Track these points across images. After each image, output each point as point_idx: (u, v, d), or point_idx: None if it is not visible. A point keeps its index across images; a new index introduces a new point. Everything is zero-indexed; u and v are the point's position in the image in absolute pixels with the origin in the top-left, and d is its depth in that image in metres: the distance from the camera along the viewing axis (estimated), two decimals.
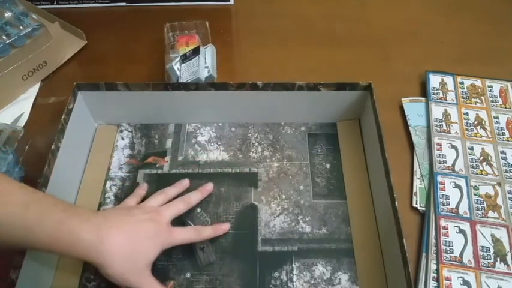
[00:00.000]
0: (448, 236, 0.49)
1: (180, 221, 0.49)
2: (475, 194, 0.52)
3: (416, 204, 0.52)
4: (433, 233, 0.49)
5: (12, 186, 0.38)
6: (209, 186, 0.53)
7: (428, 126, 0.59)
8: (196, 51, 0.58)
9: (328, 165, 0.56)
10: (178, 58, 0.58)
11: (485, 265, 0.47)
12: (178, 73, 0.58)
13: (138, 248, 0.43)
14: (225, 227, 0.50)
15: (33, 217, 0.37)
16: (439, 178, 0.54)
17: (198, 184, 0.53)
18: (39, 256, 0.45)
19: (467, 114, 0.60)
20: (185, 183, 0.53)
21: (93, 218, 0.41)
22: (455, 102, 0.61)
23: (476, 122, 0.59)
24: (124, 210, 0.47)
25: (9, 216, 0.36)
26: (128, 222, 0.44)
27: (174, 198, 0.50)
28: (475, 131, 0.58)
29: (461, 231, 0.50)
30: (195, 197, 0.51)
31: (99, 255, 0.40)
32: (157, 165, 0.56)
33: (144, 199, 0.50)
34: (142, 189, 0.52)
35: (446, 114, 0.60)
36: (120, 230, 0.42)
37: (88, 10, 0.77)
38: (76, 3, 0.77)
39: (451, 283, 0.46)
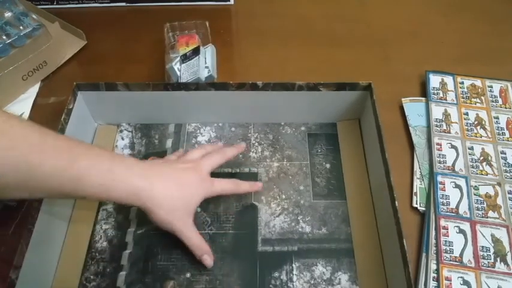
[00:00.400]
0: (448, 236, 0.49)
1: None
2: (475, 194, 0.52)
3: (416, 204, 0.52)
4: (433, 233, 0.49)
5: (60, 139, 0.39)
6: (243, 144, 0.56)
7: (428, 126, 0.59)
8: (196, 51, 0.58)
9: (328, 165, 0.56)
10: (178, 58, 0.58)
11: (485, 265, 0.47)
12: (178, 73, 0.58)
13: (183, 195, 0.45)
14: (260, 184, 0.53)
15: (82, 168, 0.38)
16: (439, 178, 0.54)
17: None
18: (40, 256, 0.45)
19: (467, 114, 0.60)
20: (221, 144, 0.56)
21: (140, 166, 0.43)
22: (455, 102, 0.61)
23: (476, 122, 0.59)
24: (165, 162, 0.49)
25: (57, 169, 0.37)
26: (172, 170, 0.46)
27: None
28: (475, 131, 0.58)
29: (461, 231, 0.50)
30: (230, 151, 0.53)
31: (149, 200, 0.42)
32: None
33: None
34: (176, 154, 0.54)
35: (446, 114, 0.60)
36: (166, 177, 0.44)
37: (88, 10, 0.77)
38: (76, 3, 0.77)
39: (451, 283, 0.46)
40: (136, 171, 0.42)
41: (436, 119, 0.59)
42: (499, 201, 0.52)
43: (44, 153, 0.37)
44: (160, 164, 0.48)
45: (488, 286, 0.46)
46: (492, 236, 0.49)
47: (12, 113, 0.37)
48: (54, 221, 0.49)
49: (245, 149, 0.56)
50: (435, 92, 0.62)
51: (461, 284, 0.46)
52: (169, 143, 0.58)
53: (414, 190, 0.54)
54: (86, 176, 0.39)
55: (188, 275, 0.48)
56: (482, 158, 0.56)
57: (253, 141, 0.58)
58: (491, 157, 0.56)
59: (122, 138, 0.59)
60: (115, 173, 0.40)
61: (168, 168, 0.47)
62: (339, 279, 0.47)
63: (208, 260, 0.47)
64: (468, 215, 0.51)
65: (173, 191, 0.44)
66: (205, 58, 0.61)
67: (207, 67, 0.61)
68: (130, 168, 0.42)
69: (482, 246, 0.48)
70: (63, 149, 0.38)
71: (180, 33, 0.63)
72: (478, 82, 0.63)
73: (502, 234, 0.49)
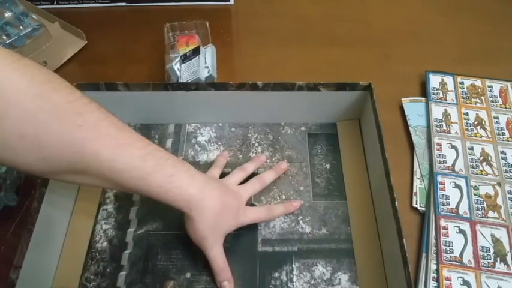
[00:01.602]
0: (448, 236, 0.49)
1: None
2: (475, 194, 0.52)
3: (416, 204, 0.52)
4: (433, 233, 0.49)
5: (134, 137, 0.40)
6: (283, 165, 0.55)
7: (428, 126, 0.59)
8: (196, 51, 0.58)
9: (328, 166, 0.56)
10: (179, 58, 0.58)
11: (485, 265, 0.47)
12: (178, 73, 0.58)
13: (224, 216, 0.46)
14: (296, 204, 0.52)
15: (149, 169, 0.40)
16: (439, 178, 0.54)
17: None
18: (40, 256, 0.45)
19: (467, 114, 0.60)
20: (262, 158, 0.56)
21: (199, 176, 0.44)
22: (455, 102, 0.61)
23: (476, 122, 0.59)
24: (218, 180, 0.50)
25: (130, 166, 0.39)
26: (223, 190, 0.47)
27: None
28: (475, 131, 0.58)
29: (461, 231, 0.50)
30: (269, 176, 0.53)
31: (197, 209, 0.43)
32: None
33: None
34: (224, 156, 0.55)
35: (446, 114, 0.60)
36: (217, 193, 0.45)
37: (88, 10, 0.77)
38: (76, 3, 0.77)
39: (451, 283, 0.46)
40: (195, 181, 0.43)
41: (436, 119, 0.59)
42: (499, 201, 0.52)
43: (118, 149, 0.38)
44: (217, 181, 0.50)
45: (488, 286, 0.46)
46: (492, 236, 0.49)
47: (92, 101, 0.39)
48: (54, 221, 0.49)
49: (285, 170, 0.55)
50: (435, 92, 0.62)
51: (461, 284, 0.46)
52: (169, 143, 0.58)
53: (414, 190, 0.54)
54: (149, 177, 0.40)
55: (188, 275, 0.48)
56: (482, 158, 0.56)
57: (253, 142, 0.58)
58: (491, 157, 0.56)
59: None
60: (175, 178, 0.42)
61: (220, 186, 0.47)
62: (339, 279, 0.47)
63: (227, 287, 0.46)
64: (468, 215, 0.51)
65: (219, 210, 0.45)
66: (205, 58, 0.61)
67: (207, 67, 0.61)
68: (190, 177, 0.43)
69: (482, 246, 0.48)
70: (135, 147, 0.40)
71: (180, 33, 0.63)
72: (478, 82, 0.63)
73: (502, 234, 0.49)
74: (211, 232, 0.45)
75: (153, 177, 0.40)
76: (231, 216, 0.47)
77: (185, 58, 0.57)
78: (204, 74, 0.60)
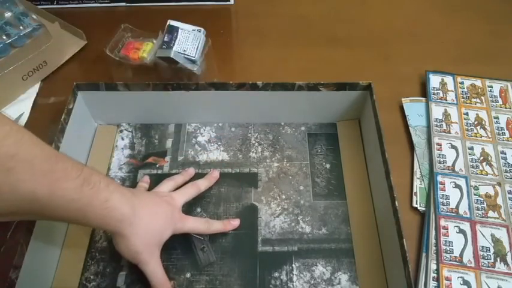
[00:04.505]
0: (448, 236, 0.49)
1: None
2: (475, 194, 0.52)
3: (416, 204, 0.52)
4: (433, 233, 0.49)
5: (68, 166, 0.38)
6: (215, 174, 0.55)
7: (428, 126, 0.59)
8: (171, 31, 0.58)
9: (328, 165, 0.56)
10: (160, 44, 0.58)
11: (485, 265, 0.47)
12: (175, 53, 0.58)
13: (155, 227, 0.45)
14: (235, 222, 0.51)
15: (86, 200, 0.39)
16: (439, 178, 0.54)
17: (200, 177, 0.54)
18: (40, 256, 0.45)
19: (467, 114, 0.60)
20: (191, 171, 0.55)
21: (127, 193, 0.43)
22: (455, 102, 0.61)
23: (476, 122, 0.59)
24: (145, 191, 0.50)
25: (68, 200, 0.37)
26: (152, 200, 0.46)
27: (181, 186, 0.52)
28: (475, 131, 0.58)
29: (461, 231, 0.50)
30: (203, 184, 0.53)
31: (129, 226, 0.42)
32: (157, 166, 0.56)
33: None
34: (145, 181, 0.54)
35: (446, 114, 0.60)
36: (145, 206, 0.44)
37: (88, 10, 0.77)
38: (76, 3, 0.77)
39: (451, 283, 0.46)
40: (126, 200, 0.42)
41: (436, 119, 0.59)
42: (499, 201, 0.52)
43: (53, 186, 0.36)
44: (143, 193, 0.48)
45: (488, 286, 0.46)
46: (492, 236, 0.49)
47: (23, 130, 0.36)
48: (54, 222, 0.49)
49: (217, 178, 0.55)
50: (435, 92, 0.62)
51: (461, 284, 0.46)
52: (169, 143, 0.58)
53: (414, 190, 0.54)
54: (87, 207, 0.39)
55: (188, 275, 0.48)
56: (482, 158, 0.56)
57: (253, 141, 0.58)
58: (491, 157, 0.56)
59: (122, 138, 0.59)
60: (110, 201, 0.40)
61: (148, 198, 0.46)
62: (339, 279, 0.47)
63: None
64: (468, 215, 0.51)
65: (150, 220, 0.44)
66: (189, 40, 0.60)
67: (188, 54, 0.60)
68: (123, 196, 0.42)
69: (482, 246, 0.48)
70: (71, 178, 0.38)
71: (132, 38, 0.62)
72: (478, 82, 0.63)
73: (502, 234, 0.49)
74: (145, 246, 0.44)
75: (91, 206, 0.39)
76: (165, 225, 0.46)
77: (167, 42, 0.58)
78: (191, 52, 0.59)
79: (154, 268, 0.45)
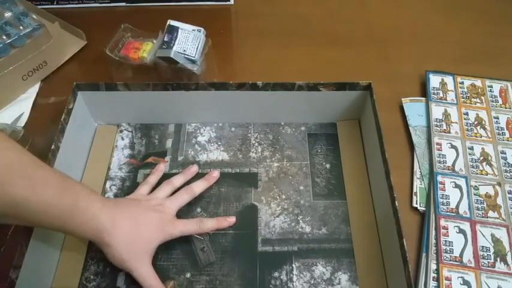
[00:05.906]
0: (448, 236, 0.49)
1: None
2: (475, 194, 0.52)
3: (416, 204, 0.52)
4: (433, 233, 0.49)
5: (48, 174, 0.40)
6: (215, 174, 0.55)
7: (428, 126, 0.59)
8: (171, 31, 0.58)
9: (328, 165, 0.56)
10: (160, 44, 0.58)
11: (485, 265, 0.47)
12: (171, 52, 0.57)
13: (140, 235, 0.45)
14: (231, 219, 0.51)
15: (65, 207, 0.40)
16: (439, 178, 0.54)
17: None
18: (40, 256, 0.45)
19: (467, 114, 0.60)
20: (193, 169, 0.55)
21: (108, 204, 0.44)
22: (455, 102, 0.61)
23: (476, 122, 0.59)
24: (132, 200, 0.49)
25: (44, 206, 0.39)
26: (136, 209, 0.47)
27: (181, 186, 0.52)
28: (475, 131, 0.58)
29: (461, 231, 0.50)
30: (200, 185, 0.53)
31: (109, 237, 0.43)
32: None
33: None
34: (158, 172, 0.54)
35: (446, 114, 0.60)
36: (127, 216, 0.45)
37: (88, 10, 0.77)
38: (76, 3, 0.77)
39: (451, 283, 0.46)
40: (106, 210, 0.43)
41: (436, 119, 0.59)
42: (499, 201, 0.52)
43: (31, 189, 0.38)
44: (126, 202, 0.48)
45: (488, 286, 0.46)
46: (492, 236, 0.49)
47: (7, 138, 0.38)
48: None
49: (217, 178, 0.54)
50: (435, 92, 0.62)
51: (461, 284, 0.46)
52: (169, 143, 0.58)
53: (414, 190, 0.54)
54: (66, 214, 0.40)
55: (188, 275, 0.48)
56: (482, 158, 0.56)
57: (253, 141, 0.58)
58: (491, 157, 0.56)
59: (122, 138, 0.59)
60: (88, 210, 0.42)
61: (133, 207, 0.47)
62: (339, 279, 0.47)
63: None
64: (468, 215, 0.51)
65: (133, 230, 0.44)
66: (188, 40, 0.60)
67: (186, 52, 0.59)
68: (102, 207, 0.43)
69: (482, 246, 0.48)
70: (51, 185, 0.39)
71: (132, 38, 0.62)
72: (478, 82, 0.63)
73: (502, 234, 0.49)
74: (131, 254, 0.44)
75: (70, 214, 0.40)
76: (153, 231, 0.46)
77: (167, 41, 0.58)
78: (191, 52, 0.59)
79: (143, 273, 0.45)
